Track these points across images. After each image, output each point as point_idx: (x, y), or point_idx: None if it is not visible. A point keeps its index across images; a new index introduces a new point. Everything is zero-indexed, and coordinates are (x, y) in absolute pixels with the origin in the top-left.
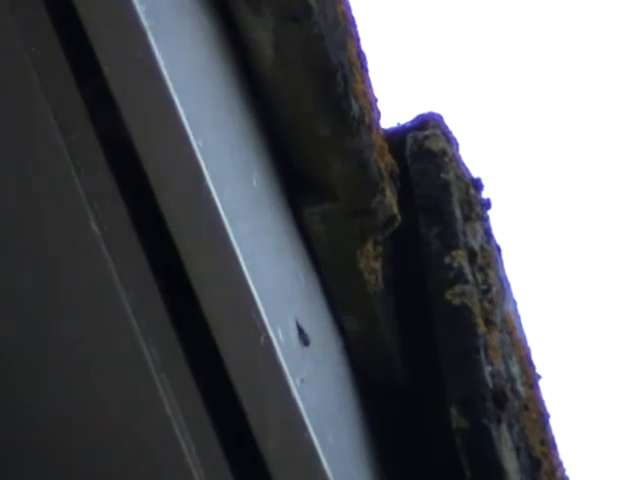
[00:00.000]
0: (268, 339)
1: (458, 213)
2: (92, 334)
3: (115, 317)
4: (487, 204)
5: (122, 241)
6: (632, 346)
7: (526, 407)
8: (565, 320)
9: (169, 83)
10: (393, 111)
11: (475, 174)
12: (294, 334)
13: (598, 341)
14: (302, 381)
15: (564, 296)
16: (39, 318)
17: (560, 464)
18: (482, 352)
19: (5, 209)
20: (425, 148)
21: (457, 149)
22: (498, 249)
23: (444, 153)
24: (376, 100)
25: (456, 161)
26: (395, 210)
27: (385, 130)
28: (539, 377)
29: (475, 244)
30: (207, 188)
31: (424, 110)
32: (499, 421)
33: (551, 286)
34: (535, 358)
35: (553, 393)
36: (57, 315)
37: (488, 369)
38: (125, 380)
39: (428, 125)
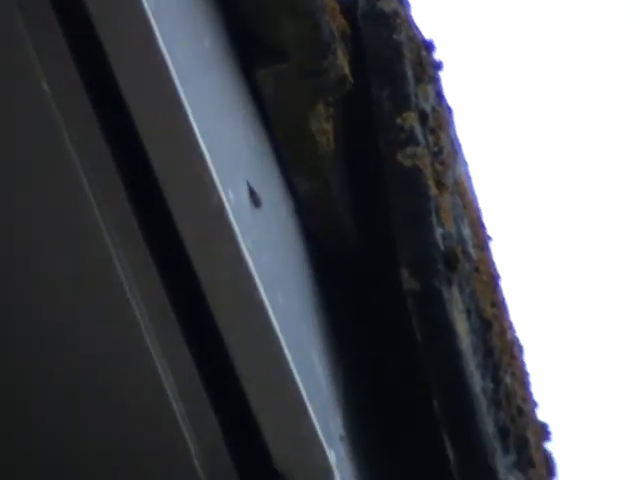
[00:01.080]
0: (219, 200)
1: (410, 74)
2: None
3: (70, 185)
4: (438, 66)
5: (74, 103)
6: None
7: (477, 269)
8: (515, 181)
9: None
10: None
11: (427, 36)
12: (245, 195)
13: (550, 202)
14: (253, 242)
15: (515, 155)
16: None
17: (511, 326)
18: (433, 214)
19: None
20: (377, 9)
21: (409, 10)
22: (449, 110)
23: (396, 14)
24: None
25: (408, 23)
26: (346, 71)
27: None
28: (490, 239)
29: (427, 106)
30: (158, 48)
31: None
32: (450, 283)
33: (502, 145)
34: (486, 220)
35: (503, 255)
36: None
37: (439, 231)
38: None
39: None
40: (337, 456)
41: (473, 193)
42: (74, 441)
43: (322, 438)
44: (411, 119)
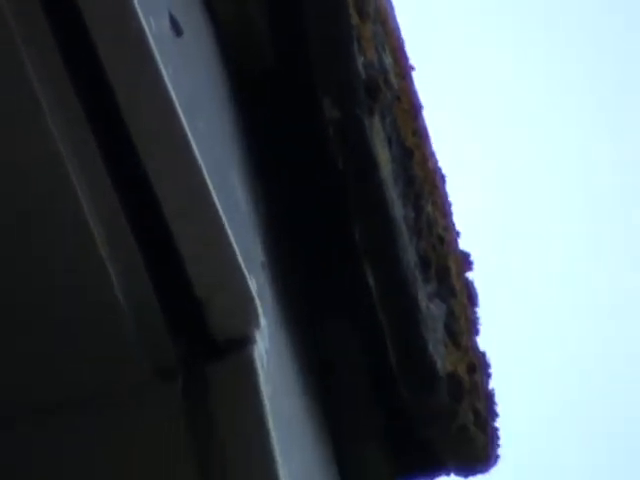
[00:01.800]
0: (139, 27)
1: None
2: None
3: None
4: None
5: None
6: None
7: (398, 98)
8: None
9: None
10: None
11: None
12: (166, 24)
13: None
14: (175, 70)
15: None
16: None
17: (432, 154)
18: (355, 43)
19: None
20: None
21: None
22: None
23: None
24: None
25: None
26: None
27: None
28: (412, 69)
29: None
30: None
31: None
32: (371, 112)
33: None
34: (408, 50)
35: (425, 85)
36: None
37: (361, 60)
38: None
39: None
40: (258, 283)
41: (395, 22)
42: None
43: (242, 264)
44: None
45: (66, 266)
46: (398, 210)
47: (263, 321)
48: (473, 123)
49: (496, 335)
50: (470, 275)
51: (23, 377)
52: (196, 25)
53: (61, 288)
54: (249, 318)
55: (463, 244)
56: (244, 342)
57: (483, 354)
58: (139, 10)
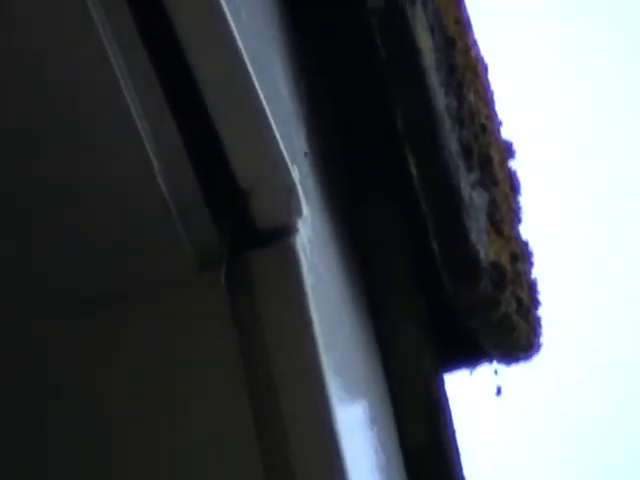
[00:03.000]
0: None
1: None
2: None
3: None
4: None
5: None
6: None
7: None
8: None
9: None
10: None
11: None
12: None
13: None
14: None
15: None
16: None
17: (475, 43)
18: None
19: None
20: None
21: None
22: None
23: None
24: None
25: None
26: None
27: None
28: None
29: None
30: None
31: None
32: (414, 1)
33: None
34: None
35: None
36: None
37: None
38: None
39: None
40: (300, 172)
41: None
42: (45, 170)
43: (285, 154)
44: None
45: (111, 157)
46: (440, 98)
47: (306, 210)
48: (513, 10)
49: (538, 223)
50: (512, 164)
51: (72, 268)
52: None
53: (107, 179)
54: (291, 208)
55: (505, 133)
56: (287, 231)
57: (526, 243)
58: None
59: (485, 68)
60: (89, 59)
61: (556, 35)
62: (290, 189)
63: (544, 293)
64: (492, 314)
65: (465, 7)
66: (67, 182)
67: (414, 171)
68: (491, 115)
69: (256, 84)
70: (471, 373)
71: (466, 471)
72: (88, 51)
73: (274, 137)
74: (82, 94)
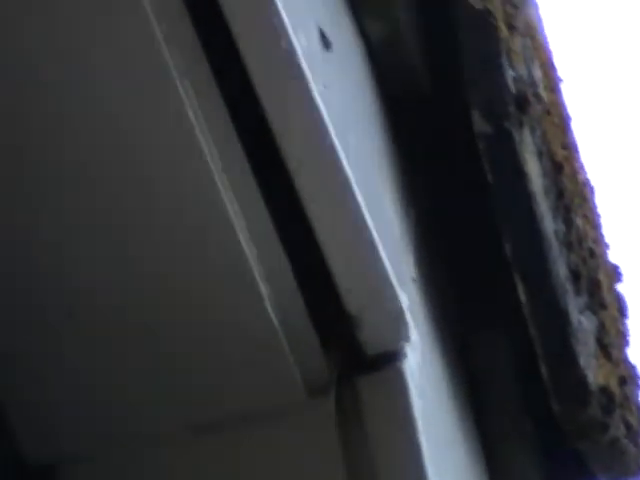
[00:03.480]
0: (290, 43)
1: None
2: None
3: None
4: None
5: None
6: None
7: (548, 111)
8: (585, 23)
9: None
10: None
11: None
12: (316, 38)
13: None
14: (325, 86)
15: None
16: None
17: (582, 168)
18: (504, 56)
19: None
20: None
21: None
22: None
23: None
24: None
25: None
26: None
27: None
28: (560, 81)
29: None
30: None
31: None
32: (521, 125)
33: None
34: (556, 62)
35: (574, 97)
36: None
37: (510, 73)
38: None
39: None
40: (409, 297)
41: (543, 35)
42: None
43: (393, 279)
44: None
45: (221, 285)
46: (548, 223)
47: (414, 335)
48: (621, 134)
49: None
50: (620, 287)
51: (183, 395)
52: (346, 40)
53: (218, 307)
54: (400, 333)
55: (612, 256)
56: (395, 357)
57: (634, 366)
58: (288, 25)
59: (592, 191)
60: (198, 185)
61: None
62: (398, 315)
63: None
64: (601, 438)
65: (572, 131)
66: (179, 310)
67: (522, 296)
68: (598, 238)
69: (364, 209)
70: None
71: None
72: (195, 175)
73: (383, 264)
74: (188, 221)
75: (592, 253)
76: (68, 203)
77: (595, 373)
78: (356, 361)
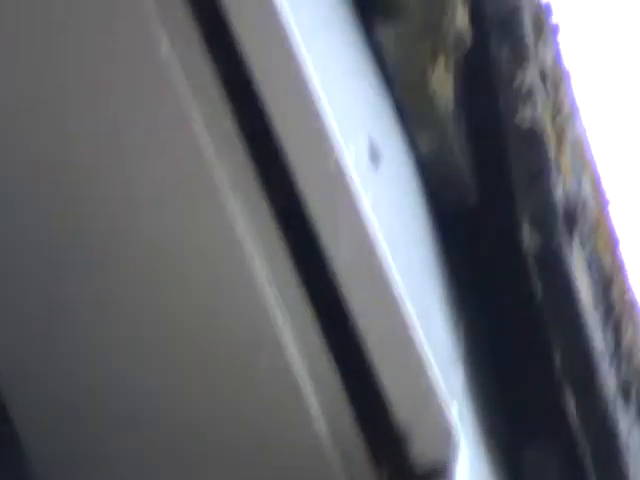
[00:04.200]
0: (340, 158)
1: (529, 33)
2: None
3: (186, 141)
4: (556, 29)
5: (194, 60)
6: None
7: (597, 227)
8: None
9: None
10: None
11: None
12: (366, 153)
13: None
14: (374, 199)
15: (628, 116)
16: None
17: (629, 288)
18: (554, 170)
19: None
20: None
21: None
22: (566, 74)
23: None
24: None
25: None
26: (467, 28)
27: None
28: (608, 202)
29: (545, 66)
30: (279, 7)
31: None
32: (571, 239)
33: (617, 111)
34: (604, 183)
35: (621, 220)
36: None
37: (560, 188)
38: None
39: None
40: (458, 412)
41: (591, 155)
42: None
43: (443, 394)
44: (532, 74)
45: (270, 400)
46: (598, 337)
47: (463, 451)
48: None
49: None
50: None
51: None
52: (396, 154)
53: (265, 422)
54: (449, 448)
55: None
56: (444, 473)
57: None
58: (339, 139)
59: (637, 309)
60: (253, 314)
61: None
62: (448, 431)
63: None
64: None
65: (620, 251)
66: (235, 434)
67: (572, 409)
68: None
69: (416, 324)
70: None
71: None
72: (252, 305)
73: (432, 378)
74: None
75: None
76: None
77: None
78: (406, 475)
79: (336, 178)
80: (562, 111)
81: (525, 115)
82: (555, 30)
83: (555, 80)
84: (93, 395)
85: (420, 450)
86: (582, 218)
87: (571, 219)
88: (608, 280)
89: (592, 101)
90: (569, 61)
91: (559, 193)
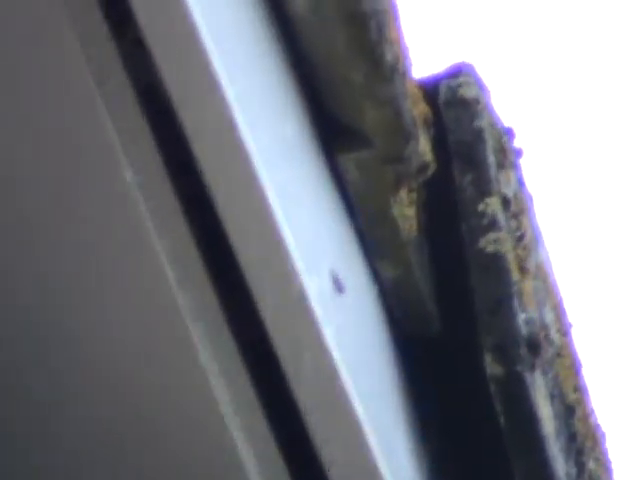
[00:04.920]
0: (302, 288)
1: (492, 160)
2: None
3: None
4: (519, 153)
5: (157, 190)
6: None
7: (559, 354)
8: (594, 269)
9: (202, 29)
10: (420, 62)
11: (506, 123)
12: (329, 282)
13: (625, 291)
14: (337, 328)
15: (593, 244)
16: None
17: (592, 412)
18: (516, 299)
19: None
20: (459, 96)
21: (489, 98)
22: (529, 198)
23: (477, 101)
24: (407, 49)
25: (488, 109)
26: (429, 157)
27: (418, 79)
28: (571, 326)
29: (508, 191)
30: (241, 136)
31: (451, 61)
32: (533, 368)
33: (580, 234)
34: (567, 307)
35: (582, 342)
36: None
37: (522, 316)
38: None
39: (461, 74)
40: None
41: (554, 279)
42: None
43: None
44: (494, 204)
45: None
46: (560, 466)
47: None
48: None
49: None
50: None
51: None
52: (358, 284)
53: None
54: None
55: None
56: None
57: None
58: (301, 270)
59: (602, 436)
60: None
61: None
62: None
63: None
64: None
65: (582, 375)
66: None
67: None
68: None
69: (379, 454)
70: None
71: None
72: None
73: None
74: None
75: None
76: None
77: None
78: None
79: (299, 309)
80: (524, 238)
81: (487, 243)
82: (518, 153)
83: (518, 207)
84: None
85: None
86: (544, 346)
87: (533, 347)
88: (571, 408)
89: (556, 223)
90: (532, 184)
91: (521, 321)
